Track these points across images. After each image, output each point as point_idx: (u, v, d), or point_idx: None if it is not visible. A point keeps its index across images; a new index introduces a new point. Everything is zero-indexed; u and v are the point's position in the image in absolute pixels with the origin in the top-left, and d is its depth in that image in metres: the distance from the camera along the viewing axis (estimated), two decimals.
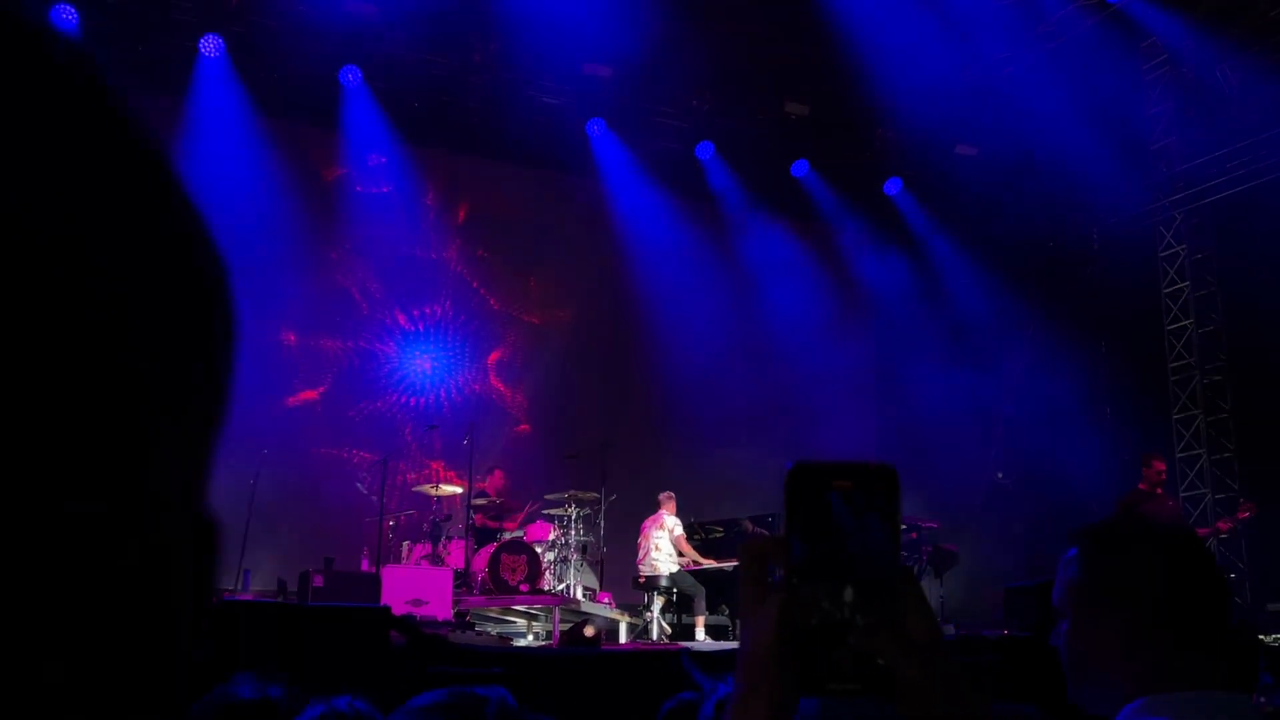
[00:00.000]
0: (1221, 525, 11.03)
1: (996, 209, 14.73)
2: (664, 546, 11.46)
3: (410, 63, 13.11)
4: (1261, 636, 10.29)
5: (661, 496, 11.93)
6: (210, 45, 12.34)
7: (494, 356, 14.45)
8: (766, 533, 12.03)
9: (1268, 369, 12.78)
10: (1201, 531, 11.02)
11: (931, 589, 11.66)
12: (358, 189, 13.75)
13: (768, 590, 0.93)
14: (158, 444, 0.41)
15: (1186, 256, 14.10)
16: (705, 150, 14.63)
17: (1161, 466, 10.85)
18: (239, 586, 10.34)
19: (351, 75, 12.97)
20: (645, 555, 11.48)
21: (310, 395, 13.24)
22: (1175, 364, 14.17)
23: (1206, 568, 1.81)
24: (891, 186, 15.44)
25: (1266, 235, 12.15)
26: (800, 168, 15.05)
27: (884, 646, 0.90)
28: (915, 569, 11.50)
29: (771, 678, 0.92)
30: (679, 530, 11.61)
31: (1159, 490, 10.60)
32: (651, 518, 11.80)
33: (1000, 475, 14.21)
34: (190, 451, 0.44)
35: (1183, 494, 13.26)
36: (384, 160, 13.69)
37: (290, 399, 12.96)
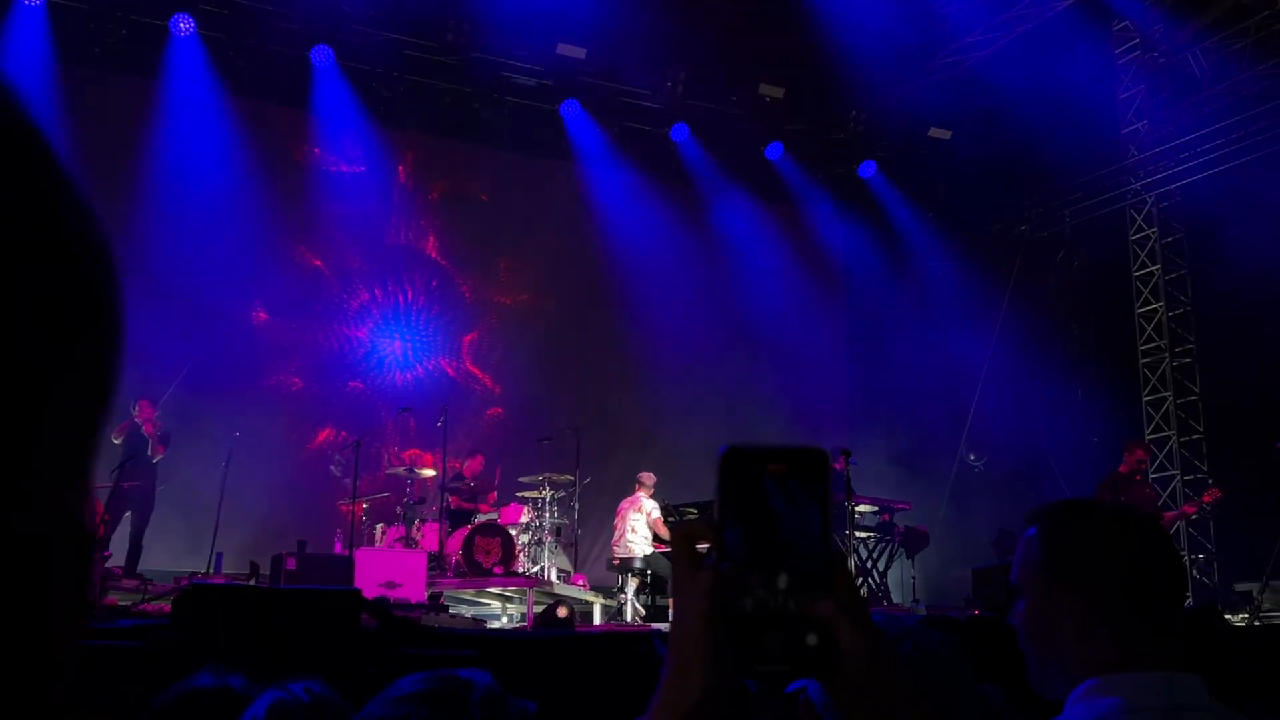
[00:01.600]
0: (1188, 509, 11.17)
1: (969, 192, 14.79)
2: (640, 529, 11.47)
3: (382, 43, 13.03)
4: (1229, 616, 10.43)
5: (641, 476, 11.89)
6: (181, 24, 12.23)
7: (468, 339, 14.42)
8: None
9: (1237, 352, 12.88)
10: (1169, 515, 11.18)
11: (903, 569, 11.75)
12: (331, 169, 13.67)
13: (701, 572, 0.94)
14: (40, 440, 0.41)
15: (1157, 240, 14.19)
16: (680, 132, 14.61)
17: (1143, 455, 11.01)
18: (210, 569, 10.31)
19: (323, 55, 12.88)
20: (621, 537, 11.48)
21: (283, 377, 13.17)
22: (1145, 346, 14.26)
23: (1163, 550, 1.83)
24: (866, 169, 15.47)
25: (1236, 219, 12.23)
26: (775, 150, 15.05)
27: (829, 616, 0.92)
28: (888, 550, 11.59)
29: (702, 658, 0.93)
30: (656, 513, 11.60)
31: (1138, 477, 10.73)
32: (629, 499, 11.77)
33: (972, 457, 14.30)
34: (69, 450, 0.43)
35: (1152, 476, 13.37)
36: (362, 170, 13.66)
37: (263, 381, 12.90)
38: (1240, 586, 11.78)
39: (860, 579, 11.42)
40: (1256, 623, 10.47)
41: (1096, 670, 1.77)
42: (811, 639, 0.92)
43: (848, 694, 0.93)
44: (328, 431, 13.15)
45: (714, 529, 0.94)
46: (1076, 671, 1.80)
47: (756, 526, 0.93)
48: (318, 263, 13.64)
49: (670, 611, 0.98)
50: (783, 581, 0.92)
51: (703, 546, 0.97)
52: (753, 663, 0.92)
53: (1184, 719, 1.71)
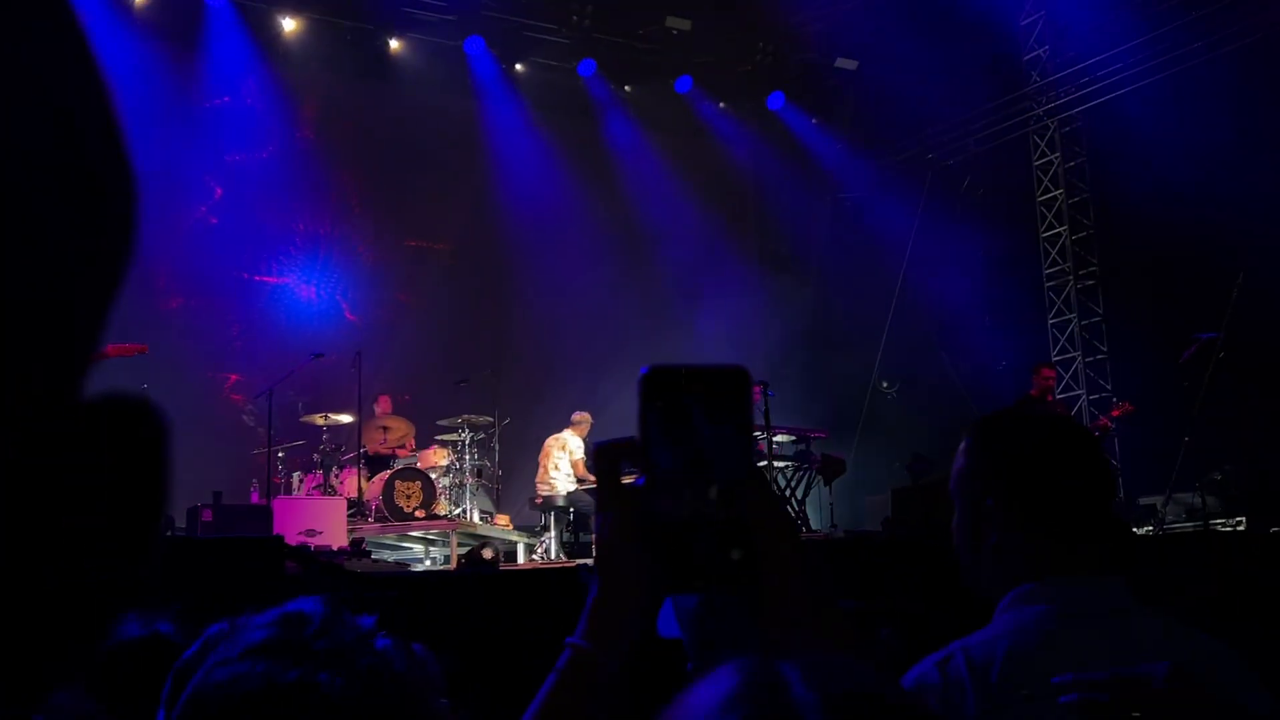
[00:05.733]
0: (1101, 423, 11.46)
1: (876, 122, 14.87)
2: (563, 466, 11.45)
3: None
4: (1135, 529, 10.78)
5: (574, 416, 11.83)
6: None
7: (377, 282, 14.20)
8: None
9: (1138, 273, 13.21)
10: None
11: (821, 496, 11.94)
12: (228, 112, 13.28)
13: (625, 490, 0.96)
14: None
15: (1060, 164, 14.44)
16: (587, 68, 14.45)
17: (1050, 374, 11.30)
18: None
19: None
20: (544, 474, 11.45)
21: (192, 325, 12.85)
22: (1050, 270, 14.56)
23: (1087, 456, 1.87)
24: (774, 101, 15.48)
25: (1135, 141, 12.48)
26: (684, 84, 14.97)
27: (749, 529, 0.93)
28: (805, 477, 11.76)
29: (633, 574, 0.95)
30: (580, 454, 11.58)
31: (1050, 397, 11.00)
32: (555, 436, 11.73)
33: (884, 384, 14.51)
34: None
35: (1059, 396, 13.72)
36: (262, 111, 13.29)
37: (169, 330, 12.56)
38: (1144, 500, 12.16)
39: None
40: (1160, 534, 10.84)
41: (1024, 576, 1.80)
42: (735, 553, 0.94)
43: (769, 605, 0.95)
44: (239, 381, 12.90)
45: (637, 448, 0.96)
46: (1004, 578, 1.83)
47: (679, 445, 0.95)
48: (224, 211, 13.28)
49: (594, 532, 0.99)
50: (710, 490, 0.94)
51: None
52: (678, 577, 0.95)
53: (1112, 622, 1.75)
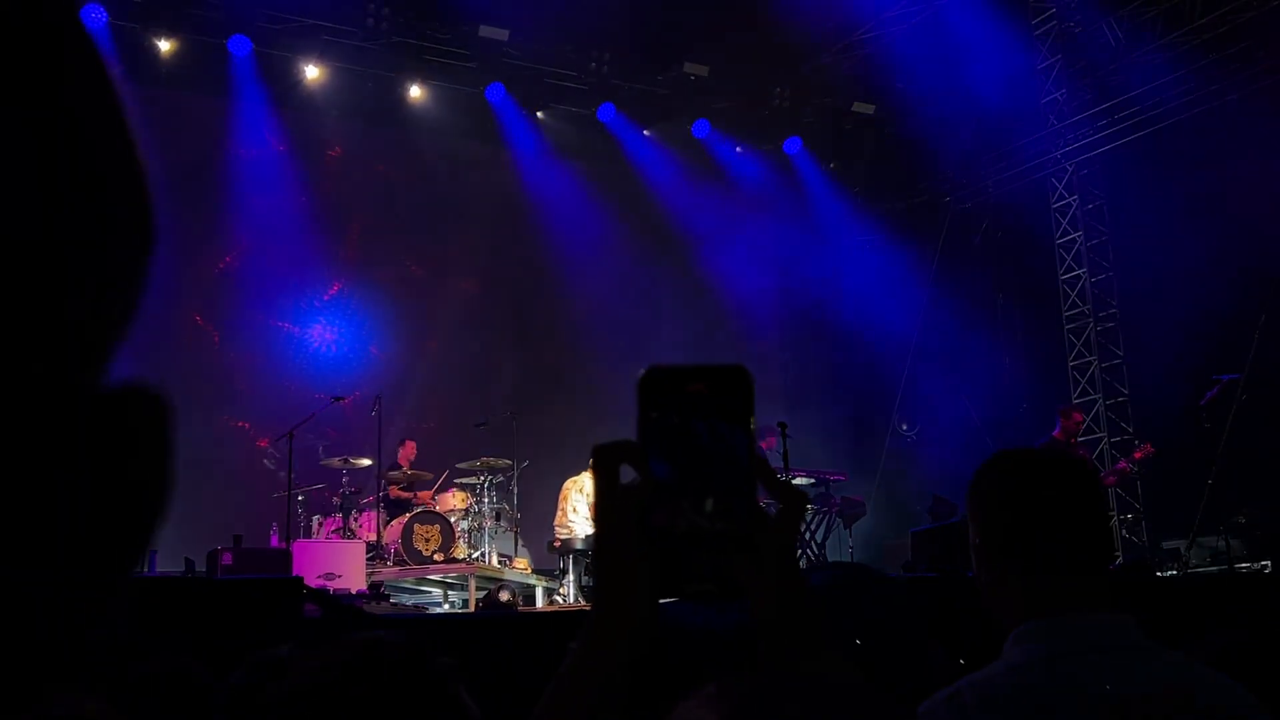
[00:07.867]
0: (1121, 466, 11.40)
1: (894, 166, 14.93)
2: (581, 509, 11.41)
3: (304, 29, 12.85)
4: (1159, 573, 10.68)
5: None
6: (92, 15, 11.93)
7: (398, 325, 14.27)
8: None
9: (1158, 315, 13.16)
10: (1109, 480, 11.42)
11: (841, 539, 11.89)
12: (252, 160, 13.42)
13: (624, 495, 0.94)
14: None
15: (1078, 207, 14.43)
16: (606, 112, 14.57)
17: (1080, 418, 11.26)
18: (145, 568, 10.14)
19: (241, 44, 12.65)
20: (562, 517, 11.42)
21: (214, 370, 12.95)
22: (1070, 312, 14.52)
23: (1084, 494, 1.87)
24: (791, 145, 15.56)
25: (1153, 183, 12.49)
26: (701, 128, 15.07)
27: (747, 535, 0.92)
28: (825, 520, 11.72)
29: (633, 580, 0.93)
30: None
31: (1074, 440, 10.95)
32: (573, 478, 11.70)
33: (904, 427, 14.47)
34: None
35: (1080, 439, 13.63)
36: (284, 157, 13.44)
37: (192, 376, 12.66)
38: (1168, 544, 12.06)
39: (799, 550, 11.47)
40: (1184, 577, 10.73)
41: (1029, 613, 1.81)
42: (736, 561, 0.93)
43: (756, 613, 0.95)
44: (260, 424, 12.95)
45: (637, 450, 0.94)
46: (1007, 612, 1.84)
47: (677, 450, 0.93)
48: (248, 257, 13.41)
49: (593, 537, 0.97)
50: (707, 502, 0.92)
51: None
52: (680, 583, 0.94)
53: (1117, 659, 1.74)
